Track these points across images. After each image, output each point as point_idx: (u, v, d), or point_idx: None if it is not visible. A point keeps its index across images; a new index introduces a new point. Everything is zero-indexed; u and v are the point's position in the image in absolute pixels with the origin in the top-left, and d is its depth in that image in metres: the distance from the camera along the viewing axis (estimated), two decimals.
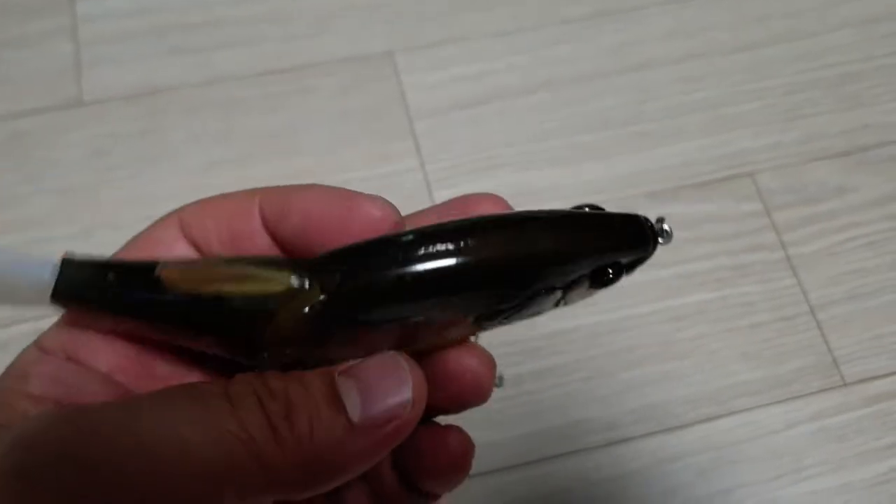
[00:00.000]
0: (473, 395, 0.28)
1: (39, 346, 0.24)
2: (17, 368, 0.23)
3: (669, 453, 0.43)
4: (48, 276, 0.22)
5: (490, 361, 0.28)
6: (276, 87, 0.53)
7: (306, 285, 0.21)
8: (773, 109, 0.53)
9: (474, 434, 0.44)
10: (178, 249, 0.25)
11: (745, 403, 0.45)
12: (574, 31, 0.56)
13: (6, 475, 0.20)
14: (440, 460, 0.28)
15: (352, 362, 0.23)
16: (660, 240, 0.25)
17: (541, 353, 0.45)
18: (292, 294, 0.21)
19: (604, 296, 0.46)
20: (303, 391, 0.22)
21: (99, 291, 0.22)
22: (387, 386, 0.22)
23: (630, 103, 0.53)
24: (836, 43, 0.56)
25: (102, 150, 0.51)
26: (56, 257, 0.22)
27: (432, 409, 0.28)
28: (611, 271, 0.24)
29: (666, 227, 0.24)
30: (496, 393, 0.45)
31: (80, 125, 0.52)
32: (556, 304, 0.25)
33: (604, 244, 0.24)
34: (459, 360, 0.27)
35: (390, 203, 0.24)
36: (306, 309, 0.21)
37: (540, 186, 0.50)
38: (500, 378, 0.28)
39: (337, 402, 0.22)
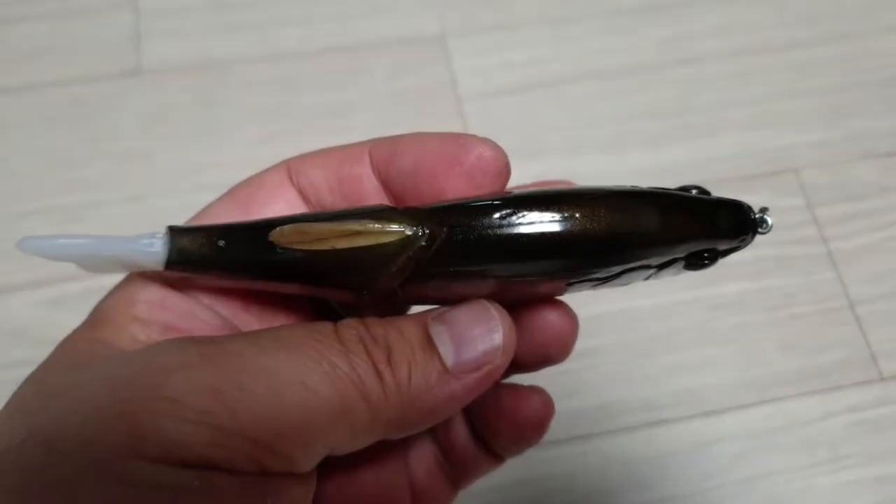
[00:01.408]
0: (557, 350, 0.28)
1: (143, 275, 0.25)
2: (123, 292, 0.24)
3: (705, 437, 0.44)
4: (160, 248, 0.23)
5: (574, 319, 0.28)
6: (330, 65, 0.54)
7: (417, 236, 0.22)
8: (818, 107, 0.54)
9: None
10: (282, 195, 0.26)
11: (782, 392, 0.45)
12: (624, 23, 0.56)
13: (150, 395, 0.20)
14: (520, 419, 0.28)
15: (443, 308, 0.24)
16: (760, 229, 0.25)
17: (580, 333, 0.46)
18: (403, 245, 0.22)
19: (645, 281, 0.47)
20: (401, 337, 0.23)
21: (211, 257, 0.23)
22: (478, 332, 0.23)
23: (677, 96, 0.54)
24: (884, 45, 0.56)
25: (158, 119, 0.52)
26: (160, 231, 0.23)
27: (514, 365, 0.28)
28: (706, 255, 0.24)
29: (768, 218, 0.25)
30: (535, 375, 0.46)
31: (138, 94, 0.53)
32: (646, 279, 0.25)
33: (709, 231, 0.24)
34: (546, 316, 0.27)
35: (500, 147, 0.25)
36: (414, 259, 0.22)
37: (586, 172, 0.51)
38: None
39: (431, 347, 0.23)
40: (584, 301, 0.46)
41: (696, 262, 0.24)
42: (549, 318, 0.28)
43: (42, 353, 0.50)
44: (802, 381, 0.45)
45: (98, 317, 0.24)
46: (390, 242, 0.22)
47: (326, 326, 0.22)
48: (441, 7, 0.57)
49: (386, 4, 0.56)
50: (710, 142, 0.52)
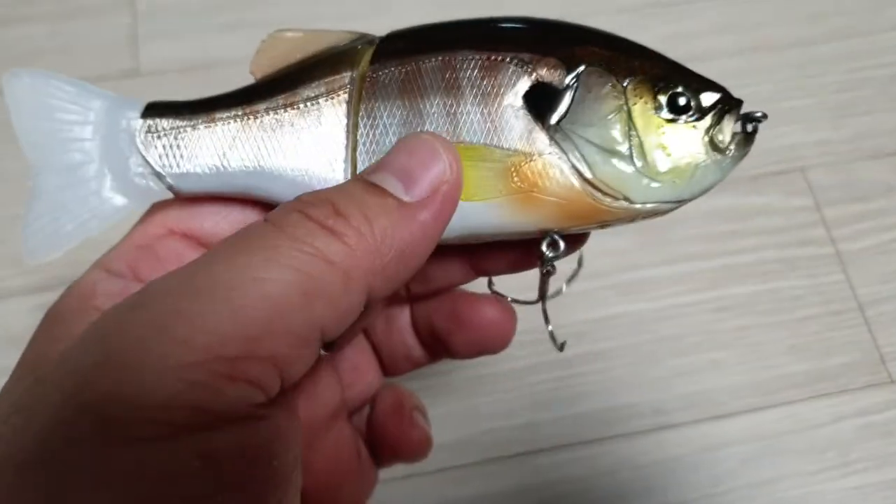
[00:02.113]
0: (495, 343, 0.31)
1: (105, 268, 0.24)
2: (83, 286, 0.24)
3: (714, 441, 0.43)
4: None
5: (512, 313, 0.31)
6: None
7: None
8: (825, 106, 0.53)
9: (520, 414, 0.44)
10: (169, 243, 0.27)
11: (790, 396, 0.45)
12: (625, 21, 0.56)
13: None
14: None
15: (374, 162, 0.24)
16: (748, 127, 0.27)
17: (588, 337, 0.45)
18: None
19: (652, 283, 0.46)
20: (341, 191, 0.23)
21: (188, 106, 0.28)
22: (421, 159, 0.23)
23: None
24: (889, 43, 0.55)
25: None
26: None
27: (452, 354, 0.32)
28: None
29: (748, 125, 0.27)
30: (542, 374, 0.45)
31: (137, 95, 0.52)
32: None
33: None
34: (484, 311, 0.30)
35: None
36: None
37: None
38: (563, 344, 0.31)
39: (378, 189, 0.23)
40: (591, 304, 0.46)
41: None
42: (487, 313, 0.30)
43: None
44: (811, 385, 0.45)
45: (56, 316, 0.24)
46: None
47: (257, 221, 0.22)
48: (440, 5, 0.56)
49: (385, 4, 0.56)
50: None
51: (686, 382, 0.45)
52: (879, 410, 0.44)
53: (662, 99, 0.26)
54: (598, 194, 0.26)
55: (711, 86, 0.27)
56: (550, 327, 0.30)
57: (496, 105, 0.26)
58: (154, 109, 0.28)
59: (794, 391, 0.45)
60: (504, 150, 0.26)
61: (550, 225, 0.26)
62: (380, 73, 0.27)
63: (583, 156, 0.25)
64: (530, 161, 0.25)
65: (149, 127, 0.28)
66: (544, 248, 0.27)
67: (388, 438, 0.33)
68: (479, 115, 0.26)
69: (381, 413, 0.33)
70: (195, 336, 0.19)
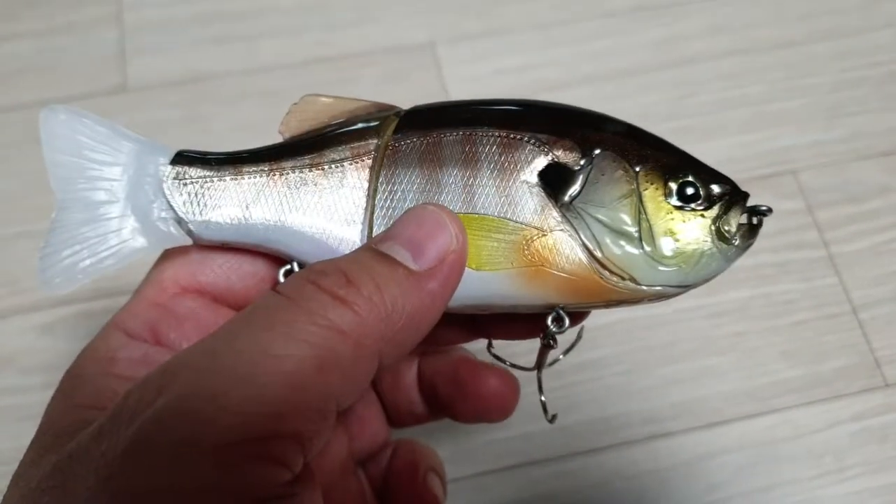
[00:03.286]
0: (497, 414, 0.32)
1: (123, 329, 0.25)
2: (102, 352, 0.24)
3: (709, 449, 0.43)
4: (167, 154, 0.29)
5: (515, 385, 0.32)
6: (318, 76, 0.53)
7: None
8: (815, 107, 0.53)
9: (513, 426, 0.44)
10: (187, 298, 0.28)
11: (785, 402, 0.44)
12: (615, 26, 0.56)
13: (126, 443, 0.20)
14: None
15: (382, 231, 0.26)
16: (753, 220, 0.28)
17: (580, 346, 0.45)
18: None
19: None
20: (352, 260, 0.23)
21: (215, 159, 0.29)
22: (425, 230, 0.24)
23: (671, 98, 0.53)
24: (881, 42, 0.55)
25: (146, 135, 0.51)
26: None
27: (454, 417, 0.33)
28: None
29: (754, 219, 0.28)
30: (536, 385, 0.45)
31: (125, 111, 0.52)
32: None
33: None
34: (487, 381, 0.31)
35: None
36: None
37: None
38: (554, 416, 0.32)
39: (387, 258, 0.24)
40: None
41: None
42: (490, 384, 0.31)
43: (29, 382, 0.49)
44: (806, 390, 0.45)
45: (77, 380, 0.24)
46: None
47: (270, 293, 0.23)
48: (429, 15, 0.56)
49: (373, 14, 0.56)
50: (706, 144, 0.51)
51: (680, 390, 0.44)
52: (875, 415, 0.44)
53: (673, 186, 0.27)
54: (606, 273, 0.27)
55: (720, 178, 0.28)
56: (543, 398, 0.31)
57: (512, 180, 0.27)
58: (183, 157, 0.29)
59: (789, 397, 0.45)
60: (517, 223, 0.27)
61: (557, 300, 0.27)
62: (402, 142, 0.28)
63: (593, 234, 0.27)
64: (542, 236, 0.27)
65: (177, 174, 0.29)
66: (549, 322, 0.28)
67: (400, 499, 0.33)
68: (494, 188, 0.27)
69: (396, 471, 0.34)
70: (221, 417, 0.20)
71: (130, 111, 0.52)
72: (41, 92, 0.52)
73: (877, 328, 0.46)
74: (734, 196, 0.28)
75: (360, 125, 0.29)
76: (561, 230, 0.27)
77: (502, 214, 0.27)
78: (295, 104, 0.30)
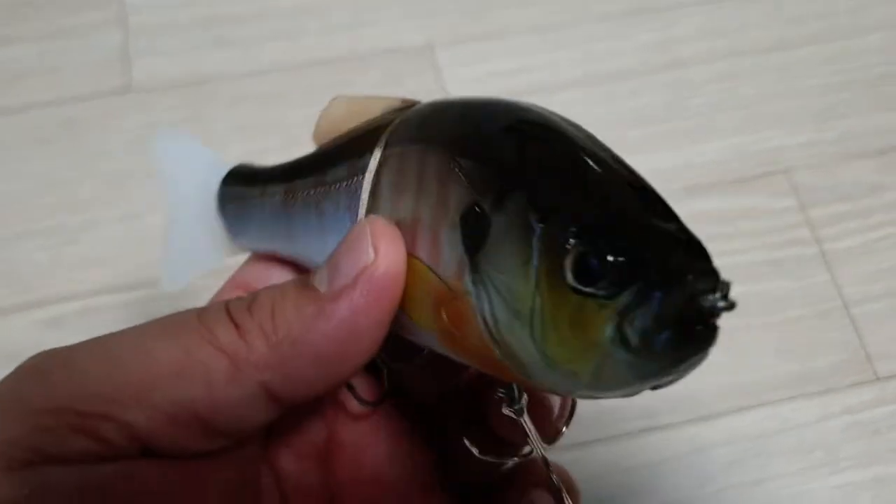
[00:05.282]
0: None
1: None
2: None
3: (702, 443, 0.44)
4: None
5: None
6: (316, 79, 0.54)
7: None
8: (808, 108, 0.53)
9: None
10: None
11: (777, 396, 0.45)
12: (611, 28, 0.56)
13: None
14: None
15: None
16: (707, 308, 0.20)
17: None
18: None
19: None
20: (274, 287, 0.23)
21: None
22: (348, 245, 0.22)
23: (666, 100, 0.54)
24: (872, 44, 0.56)
25: (149, 138, 0.52)
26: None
27: None
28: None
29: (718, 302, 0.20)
30: None
31: (128, 113, 0.53)
32: None
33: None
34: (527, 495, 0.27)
35: None
36: None
37: None
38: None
39: (305, 285, 0.22)
40: None
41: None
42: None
43: None
44: (798, 385, 0.45)
45: None
46: None
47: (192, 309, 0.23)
48: (427, 17, 0.57)
49: (371, 17, 0.56)
50: (700, 146, 0.52)
51: (674, 385, 0.45)
52: (866, 409, 0.45)
53: (569, 257, 0.19)
54: (504, 359, 0.21)
55: (649, 244, 0.19)
56: (555, 478, 0.26)
57: (443, 222, 0.22)
58: (232, 176, 0.31)
59: (780, 391, 0.45)
60: (438, 278, 0.21)
61: (483, 371, 0.23)
62: (386, 159, 0.24)
63: (492, 308, 0.20)
64: (454, 300, 0.21)
65: (224, 193, 0.31)
66: (500, 393, 0.24)
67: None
68: (429, 229, 0.22)
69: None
70: (63, 386, 0.21)
71: (135, 112, 0.53)
72: (45, 94, 0.53)
73: (868, 324, 0.47)
74: (658, 278, 0.19)
75: (362, 136, 0.26)
76: (469, 296, 0.21)
77: (432, 263, 0.22)
78: (324, 109, 0.28)
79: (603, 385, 0.20)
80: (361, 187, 0.24)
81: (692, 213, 0.49)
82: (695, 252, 0.20)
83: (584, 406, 0.45)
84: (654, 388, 0.21)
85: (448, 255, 0.21)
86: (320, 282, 0.22)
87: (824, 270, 0.48)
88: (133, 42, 0.55)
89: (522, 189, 0.20)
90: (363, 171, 0.24)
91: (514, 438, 0.27)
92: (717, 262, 0.49)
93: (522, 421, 0.25)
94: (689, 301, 0.19)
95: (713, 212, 0.49)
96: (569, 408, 0.28)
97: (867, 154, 0.52)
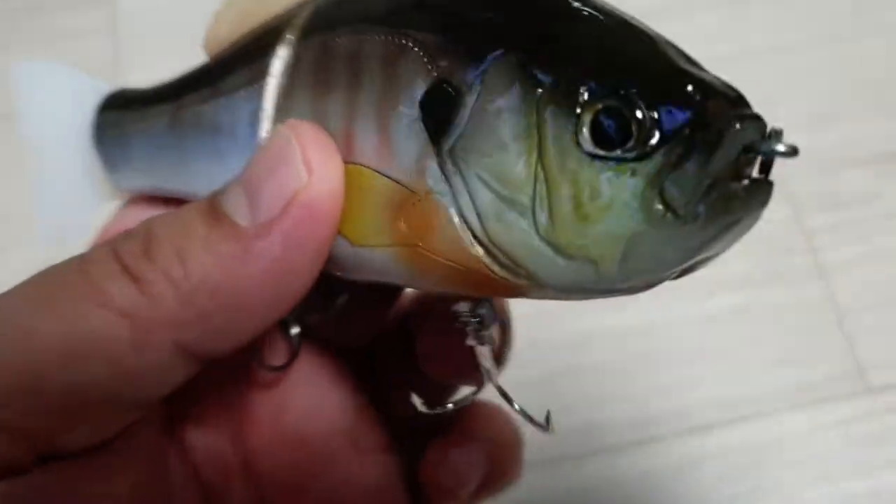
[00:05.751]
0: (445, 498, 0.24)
1: None
2: None
3: (695, 455, 0.44)
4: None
5: (479, 462, 0.24)
6: None
7: None
8: (805, 114, 0.53)
9: None
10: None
11: (770, 407, 0.45)
12: None
13: None
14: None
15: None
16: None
17: (567, 351, 0.46)
18: None
19: (630, 297, 0.46)
20: (171, 218, 0.18)
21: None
22: (274, 171, 0.17)
23: None
24: (871, 50, 0.55)
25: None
26: None
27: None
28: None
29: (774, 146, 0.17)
30: (522, 392, 0.45)
31: None
32: None
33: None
34: (446, 454, 0.24)
35: None
36: None
37: None
38: (547, 422, 0.24)
39: (211, 213, 0.18)
40: (569, 319, 0.46)
41: None
42: (449, 458, 0.24)
43: None
44: (791, 396, 0.45)
45: None
46: None
47: (71, 259, 0.18)
48: None
49: None
50: None
51: (666, 396, 0.45)
52: (859, 420, 0.44)
53: (586, 118, 0.16)
54: (490, 261, 0.18)
55: (683, 91, 0.17)
56: (517, 406, 0.23)
57: (393, 112, 0.18)
58: (109, 103, 0.26)
59: (773, 403, 0.45)
60: (391, 180, 0.18)
61: (451, 290, 0.19)
62: (306, 52, 0.20)
63: (473, 201, 0.17)
64: (418, 201, 0.18)
65: (100, 123, 0.26)
66: (466, 314, 0.21)
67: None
68: (373, 124, 0.18)
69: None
70: None
71: None
72: None
73: (862, 334, 0.46)
74: (701, 128, 0.16)
75: (265, 34, 0.22)
76: (438, 193, 0.17)
77: (379, 165, 0.18)
78: (215, 13, 0.24)
79: (631, 270, 0.17)
80: (267, 91, 0.21)
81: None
82: (734, 98, 0.17)
83: (576, 418, 0.45)
84: (685, 272, 0.18)
85: (405, 151, 0.18)
86: (236, 211, 0.17)
87: (819, 280, 0.48)
88: (124, 48, 0.55)
89: (507, 50, 0.17)
90: (269, 71, 0.21)
91: (453, 378, 0.24)
92: (711, 271, 0.49)
93: (483, 351, 0.21)
94: (744, 151, 0.17)
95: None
96: (509, 333, 0.24)
97: (865, 162, 0.51)
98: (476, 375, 0.22)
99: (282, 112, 0.20)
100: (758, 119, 0.17)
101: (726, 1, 0.56)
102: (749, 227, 0.18)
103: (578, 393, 0.45)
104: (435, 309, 0.24)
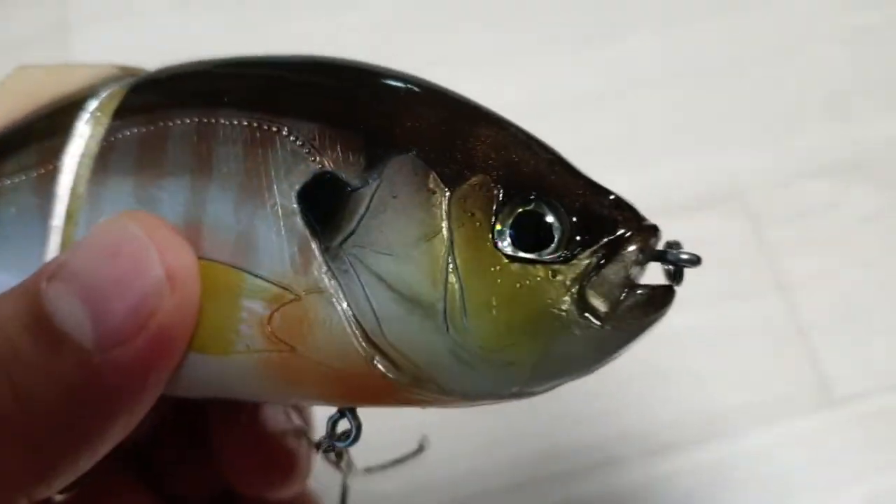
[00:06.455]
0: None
1: None
2: None
3: (656, 476, 0.43)
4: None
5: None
6: None
7: None
8: (762, 128, 0.53)
9: (462, 457, 0.44)
10: None
11: (733, 425, 0.44)
12: (564, 53, 0.56)
13: None
14: None
15: (59, 257, 0.15)
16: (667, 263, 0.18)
17: None
18: None
19: None
20: None
21: None
22: (126, 282, 0.14)
23: (618, 124, 0.53)
24: (825, 60, 0.55)
25: None
26: None
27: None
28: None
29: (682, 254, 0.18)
30: (488, 417, 0.45)
31: None
32: None
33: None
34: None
35: None
36: None
37: None
38: (422, 444, 0.22)
39: (46, 325, 0.14)
40: None
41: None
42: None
43: None
44: (754, 412, 0.45)
45: None
46: None
47: None
48: (377, 42, 0.56)
49: (315, 45, 0.56)
50: (652, 170, 0.51)
51: (625, 417, 0.45)
52: (823, 434, 0.44)
53: (505, 220, 0.16)
54: (389, 367, 0.16)
55: (599, 200, 0.17)
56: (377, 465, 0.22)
57: (259, 203, 0.16)
58: None
59: (736, 420, 0.45)
60: (258, 278, 0.16)
61: (324, 401, 0.18)
62: (120, 134, 0.18)
63: (370, 301, 0.16)
64: (294, 302, 0.16)
65: None
66: (329, 428, 0.19)
67: None
68: (232, 216, 0.17)
69: None
70: None
71: None
72: None
73: (824, 347, 0.46)
74: (619, 235, 0.17)
75: (61, 111, 0.19)
76: (323, 292, 0.16)
77: (238, 263, 0.16)
78: (5, 79, 0.21)
79: (549, 371, 0.17)
80: (61, 178, 0.18)
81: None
82: (636, 209, 0.18)
83: (534, 444, 0.44)
84: (590, 370, 0.18)
85: (277, 246, 0.16)
86: (74, 324, 0.13)
87: (780, 295, 0.48)
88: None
89: (414, 145, 0.16)
90: (66, 151, 0.18)
91: (264, 490, 0.22)
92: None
93: (342, 464, 0.20)
94: (659, 257, 0.18)
95: (666, 237, 0.49)
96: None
97: (822, 173, 0.51)
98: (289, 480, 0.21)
99: (93, 197, 0.17)
100: (658, 229, 0.18)
101: (680, 20, 0.56)
102: (655, 327, 0.18)
103: (541, 418, 0.45)
104: (241, 417, 0.21)
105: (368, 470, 0.22)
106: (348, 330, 0.16)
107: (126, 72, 0.20)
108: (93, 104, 0.19)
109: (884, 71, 0.54)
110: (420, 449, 0.22)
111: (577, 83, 0.55)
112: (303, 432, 0.22)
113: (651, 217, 0.18)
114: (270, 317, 0.16)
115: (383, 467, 0.22)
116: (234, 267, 0.16)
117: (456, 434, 0.45)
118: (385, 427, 0.25)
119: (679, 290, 0.19)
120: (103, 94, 0.19)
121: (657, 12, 0.56)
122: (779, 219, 0.50)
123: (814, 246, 0.49)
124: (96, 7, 0.58)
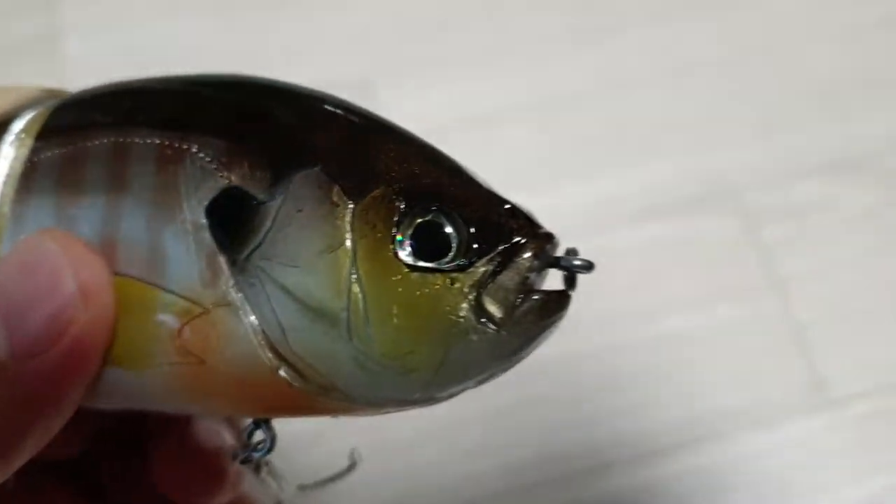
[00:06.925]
0: None
1: None
2: None
3: (651, 479, 0.43)
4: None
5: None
6: None
7: None
8: (755, 126, 0.52)
9: (453, 463, 0.43)
10: None
11: (728, 427, 0.44)
12: (553, 52, 0.55)
13: None
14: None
15: None
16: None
17: (514, 382, 0.45)
18: None
19: (581, 320, 0.46)
20: None
21: None
22: (41, 296, 0.15)
23: (609, 123, 0.53)
24: (818, 58, 0.55)
25: None
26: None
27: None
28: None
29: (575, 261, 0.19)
30: (472, 425, 0.44)
31: None
32: None
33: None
34: None
35: None
36: None
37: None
38: (353, 459, 0.22)
39: None
40: None
41: None
42: None
43: None
44: (749, 414, 0.44)
45: None
46: None
47: None
48: (364, 48, 0.56)
49: (304, 49, 0.55)
50: (644, 169, 0.51)
51: (619, 421, 0.44)
52: (819, 435, 0.44)
53: (406, 230, 0.17)
54: (292, 376, 0.17)
55: (496, 209, 0.18)
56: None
57: (170, 219, 0.17)
58: None
59: (731, 422, 0.44)
60: (168, 291, 0.17)
61: (235, 412, 0.19)
62: (42, 155, 0.19)
63: (275, 313, 0.17)
64: (201, 315, 0.17)
65: None
66: (246, 438, 0.19)
67: None
68: (143, 232, 0.17)
69: None
70: None
71: None
72: None
73: (820, 347, 0.46)
74: (516, 243, 0.18)
75: None
76: (230, 305, 0.17)
77: (150, 278, 0.17)
78: None
79: (449, 377, 0.18)
80: None
81: (634, 241, 0.48)
82: (532, 217, 0.19)
83: (527, 450, 0.44)
84: (491, 375, 0.19)
85: (185, 260, 0.17)
86: None
87: (775, 294, 0.47)
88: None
89: (317, 159, 0.17)
90: None
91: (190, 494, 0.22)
92: (664, 289, 0.48)
93: (263, 474, 0.21)
94: (553, 264, 0.18)
95: (659, 237, 0.48)
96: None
97: (816, 171, 0.51)
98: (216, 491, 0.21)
99: (17, 218, 0.18)
100: (553, 236, 0.19)
101: (672, 19, 0.56)
102: (553, 332, 0.19)
103: (532, 424, 0.44)
104: (173, 429, 0.22)
105: (302, 487, 0.22)
106: (254, 341, 0.17)
107: (50, 94, 0.21)
108: (18, 125, 0.20)
109: (877, 69, 0.54)
110: (352, 465, 0.22)
111: (567, 82, 0.54)
112: (223, 444, 0.22)
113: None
114: (181, 330, 0.17)
115: (317, 485, 0.22)
116: (146, 282, 0.17)
117: (447, 440, 0.44)
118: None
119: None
120: (27, 117, 0.20)
121: (648, 10, 0.56)
122: (773, 218, 0.49)
123: (809, 245, 0.48)
124: (86, 15, 0.57)
